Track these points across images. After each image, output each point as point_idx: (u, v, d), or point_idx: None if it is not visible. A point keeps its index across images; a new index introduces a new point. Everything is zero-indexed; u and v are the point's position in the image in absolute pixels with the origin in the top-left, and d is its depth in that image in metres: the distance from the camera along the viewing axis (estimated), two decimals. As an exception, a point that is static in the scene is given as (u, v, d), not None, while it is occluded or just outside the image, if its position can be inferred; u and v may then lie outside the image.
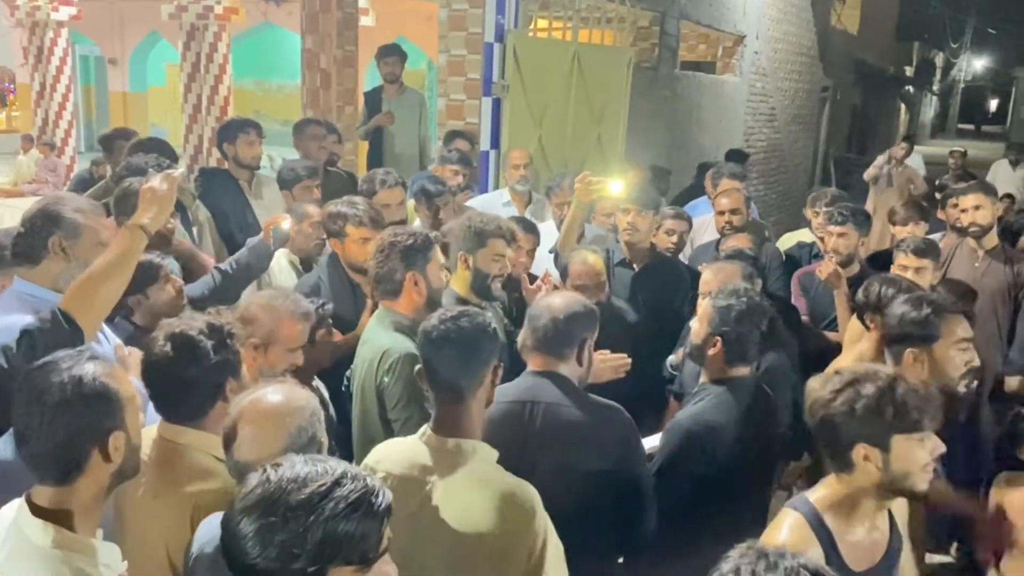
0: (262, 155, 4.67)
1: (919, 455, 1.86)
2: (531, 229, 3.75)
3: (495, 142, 5.97)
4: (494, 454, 2.05)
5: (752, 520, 2.42)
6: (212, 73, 9.38)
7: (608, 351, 2.84)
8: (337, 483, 1.30)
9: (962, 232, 4.37)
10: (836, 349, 3.49)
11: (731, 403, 2.52)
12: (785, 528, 1.91)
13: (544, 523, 1.92)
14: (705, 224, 5.28)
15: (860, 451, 1.87)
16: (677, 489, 2.45)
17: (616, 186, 4.43)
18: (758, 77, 11.65)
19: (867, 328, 3.09)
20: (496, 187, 5.81)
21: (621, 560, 2.81)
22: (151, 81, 15.69)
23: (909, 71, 27.81)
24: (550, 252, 3.97)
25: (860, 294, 3.15)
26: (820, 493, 1.97)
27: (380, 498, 1.32)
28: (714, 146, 10.01)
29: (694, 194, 6.49)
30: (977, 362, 2.46)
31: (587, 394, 2.44)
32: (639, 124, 8.03)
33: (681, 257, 4.87)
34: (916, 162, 10.69)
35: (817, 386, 1.96)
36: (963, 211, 4.30)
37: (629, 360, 2.90)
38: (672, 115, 9.34)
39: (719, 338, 2.56)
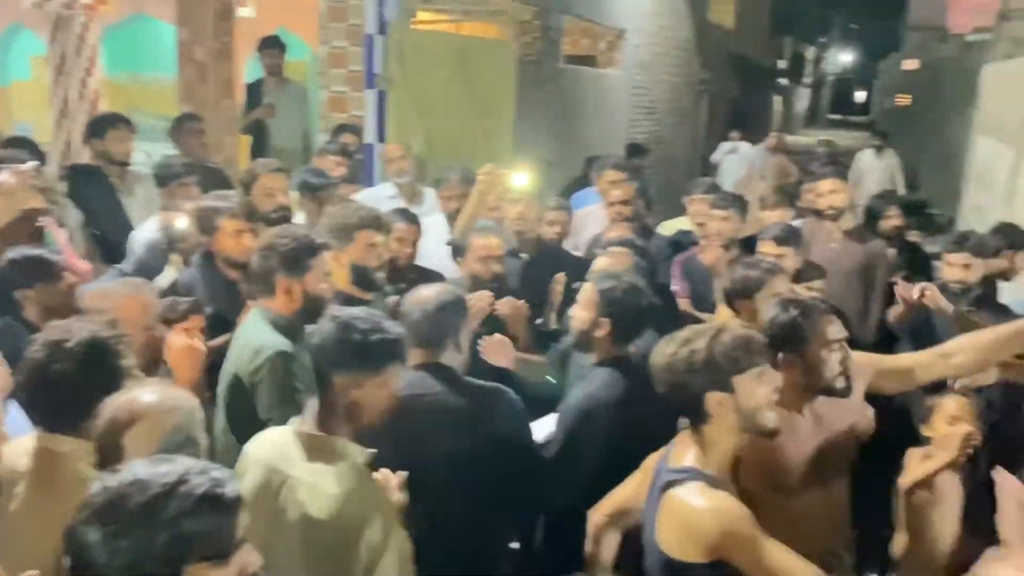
0: (133, 151, 4.51)
1: (761, 390, 2.02)
2: (412, 220, 3.75)
3: (381, 135, 5.92)
4: (362, 453, 2.03)
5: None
6: (82, 66, 8.90)
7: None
8: (181, 481, 1.28)
9: (820, 215, 4.62)
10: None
11: (620, 381, 2.61)
12: (712, 498, 1.98)
13: (389, 524, 1.92)
14: (590, 214, 5.41)
15: (712, 399, 2.01)
16: (576, 467, 2.51)
17: (521, 178, 4.51)
18: (639, 71, 11.95)
19: (736, 313, 3.20)
20: (383, 181, 5.78)
21: (516, 544, 2.88)
22: (14, 75, 14.77)
23: (782, 64, 29.03)
24: (448, 244, 3.98)
25: (726, 280, 3.24)
26: (688, 456, 2.07)
27: (228, 490, 1.31)
28: (599, 139, 10.21)
29: (581, 186, 6.63)
30: (850, 360, 2.43)
31: (471, 380, 2.48)
32: (526, 117, 8.12)
33: (570, 247, 5.00)
34: (745, 150, 11.49)
35: (656, 354, 2.10)
36: (820, 195, 4.56)
37: (523, 302, 3.06)
38: (558, 108, 9.48)
39: (607, 320, 2.63)
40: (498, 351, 3.06)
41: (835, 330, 2.38)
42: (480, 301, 3.04)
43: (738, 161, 11.41)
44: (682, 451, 2.10)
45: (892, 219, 5.14)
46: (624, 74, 11.38)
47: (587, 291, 2.73)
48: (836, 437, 2.43)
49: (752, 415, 2.03)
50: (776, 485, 2.36)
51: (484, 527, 2.44)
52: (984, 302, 3.82)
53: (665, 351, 2.08)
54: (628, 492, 2.33)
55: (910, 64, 19.85)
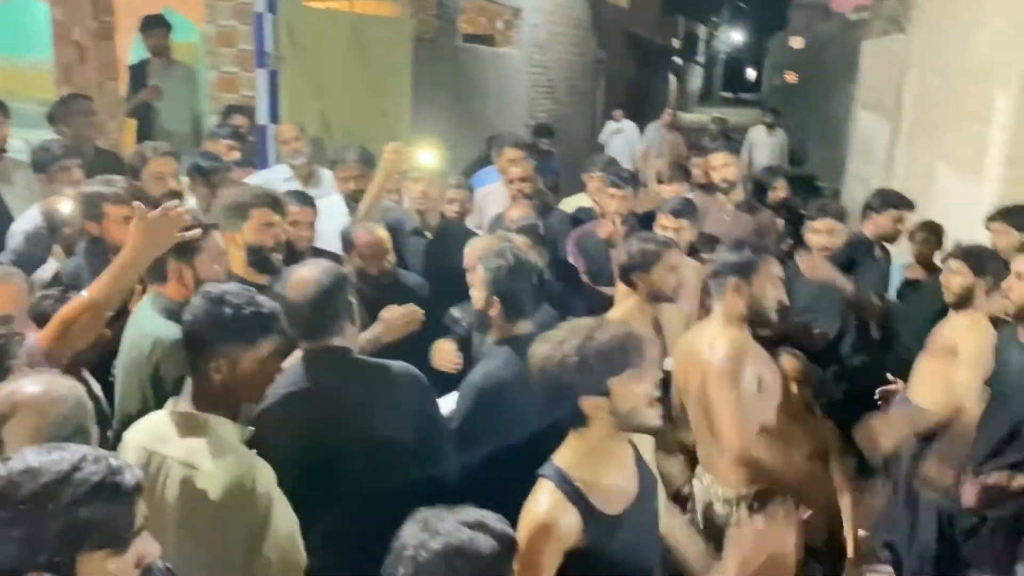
0: (10, 137, 4.27)
1: (639, 390, 1.95)
2: (307, 201, 3.67)
3: (273, 116, 5.77)
4: (239, 431, 2.02)
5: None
6: (-52, 48, 8.36)
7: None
8: (76, 468, 1.26)
9: (713, 188, 4.78)
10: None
11: (517, 360, 2.60)
12: (541, 497, 1.97)
13: (270, 501, 1.91)
14: (492, 193, 5.43)
15: (586, 403, 1.96)
16: (476, 446, 2.51)
17: (427, 157, 4.46)
18: (536, 50, 11.99)
19: (632, 286, 3.25)
20: (278, 163, 5.64)
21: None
22: None
23: (676, 43, 29.63)
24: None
25: (623, 254, 3.27)
26: (564, 454, 2.04)
27: (126, 477, 1.30)
28: (499, 118, 10.23)
29: (483, 165, 6.64)
30: (787, 300, 2.70)
31: (370, 360, 2.46)
32: (424, 97, 8.05)
33: (472, 226, 5.01)
34: (630, 129, 11.56)
35: (531, 353, 2.05)
36: (713, 168, 4.72)
37: (420, 311, 2.99)
38: (457, 88, 9.43)
39: (496, 298, 2.65)
40: (443, 359, 3.11)
41: (778, 269, 2.72)
42: (396, 319, 2.98)
43: (624, 140, 11.27)
44: (564, 446, 2.06)
45: (779, 191, 5.38)
46: (522, 53, 11.41)
47: (478, 272, 2.74)
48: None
49: (630, 416, 1.97)
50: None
51: (396, 508, 2.42)
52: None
53: (539, 351, 2.02)
54: None
55: (796, 42, 20.59)
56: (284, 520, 1.94)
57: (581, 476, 1.97)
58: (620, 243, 3.99)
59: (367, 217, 3.94)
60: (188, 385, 2.04)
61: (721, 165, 4.70)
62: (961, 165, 5.16)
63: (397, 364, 2.47)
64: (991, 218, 3.93)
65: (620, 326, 2.07)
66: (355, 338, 2.48)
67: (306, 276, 2.38)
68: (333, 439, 2.29)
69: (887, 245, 4.33)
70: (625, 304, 3.26)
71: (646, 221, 4.50)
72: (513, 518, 2.32)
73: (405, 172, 4.38)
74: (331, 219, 3.87)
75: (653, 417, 1.99)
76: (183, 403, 2.03)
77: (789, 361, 3.10)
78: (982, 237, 4.10)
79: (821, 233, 4.10)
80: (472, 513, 1.59)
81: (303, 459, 2.27)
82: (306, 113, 5.98)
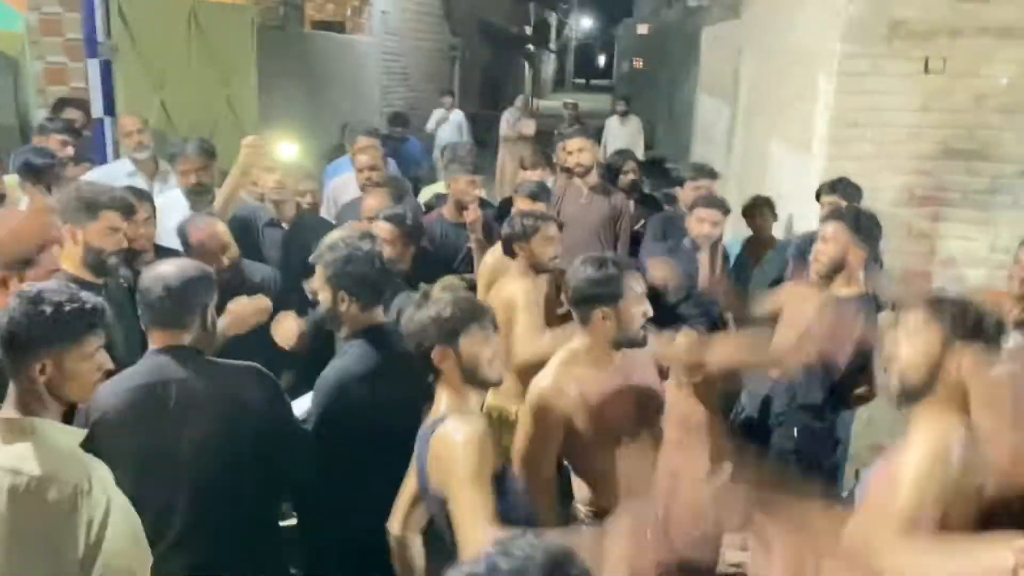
0: None
1: (483, 350, 2.18)
2: (145, 197, 3.51)
3: (109, 108, 5.47)
4: (69, 432, 1.95)
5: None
6: None
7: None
8: None
9: (570, 172, 4.90)
10: (473, 287, 3.77)
11: (372, 351, 2.60)
12: (461, 425, 2.11)
13: (106, 505, 1.85)
14: (346, 183, 5.35)
15: (438, 354, 2.16)
16: (335, 442, 2.49)
17: (289, 150, 4.33)
18: (389, 37, 11.88)
19: (513, 255, 3.48)
20: (116, 157, 5.35)
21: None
22: None
23: (528, 31, 30.06)
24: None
25: (506, 226, 3.49)
26: (443, 404, 2.19)
27: None
28: (352, 105, 10.08)
29: (338, 154, 6.53)
30: (650, 311, 2.55)
31: (219, 361, 2.40)
32: (273, 85, 7.84)
33: (327, 215, 4.93)
34: (457, 117, 11.07)
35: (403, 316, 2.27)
36: (569, 153, 4.83)
37: (269, 301, 2.96)
38: (307, 76, 9.23)
39: (344, 293, 2.62)
40: (285, 332, 3.03)
41: (640, 283, 2.54)
42: (242, 310, 2.90)
43: (452, 128, 10.66)
44: (435, 407, 2.21)
45: (629, 174, 5.56)
46: (374, 40, 11.27)
47: (317, 270, 2.70)
48: (645, 390, 2.60)
49: (474, 371, 2.17)
50: (605, 439, 2.48)
51: (248, 508, 2.37)
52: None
53: (406, 313, 2.24)
54: (410, 488, 2.34)
55: (642, 29, 21.26)
56: (125, 521, 1.87)
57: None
58: (479, 229, 4.05)
59: (226, 212, 3.83)
60: (11, 390, 1.92)
61: (576, 150, 4.83)
62: (792, 143, 5.50)
63: (244, 364, 2.41)
64: (823, 191, 4.21)
65: (465, 292, 2.32)
66: (207, 342, 2.41)
67: (168, 268, 2.34)
68: (177, 439, 2.23)
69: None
70: (510, 274, 3.49)
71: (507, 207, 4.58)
72: (376, 511, 2.34)
73: (264, 166, 4.26)
74: (173, 215, 3.70)
75: (497, 372, 2.21)
76: (7, 409, 1.91)
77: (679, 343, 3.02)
78: (814, 209, 4.41)
79: (698, 189, 4.53)
80: None
81: (146, 459, 2.21)
82: (145, 105, 5.71)
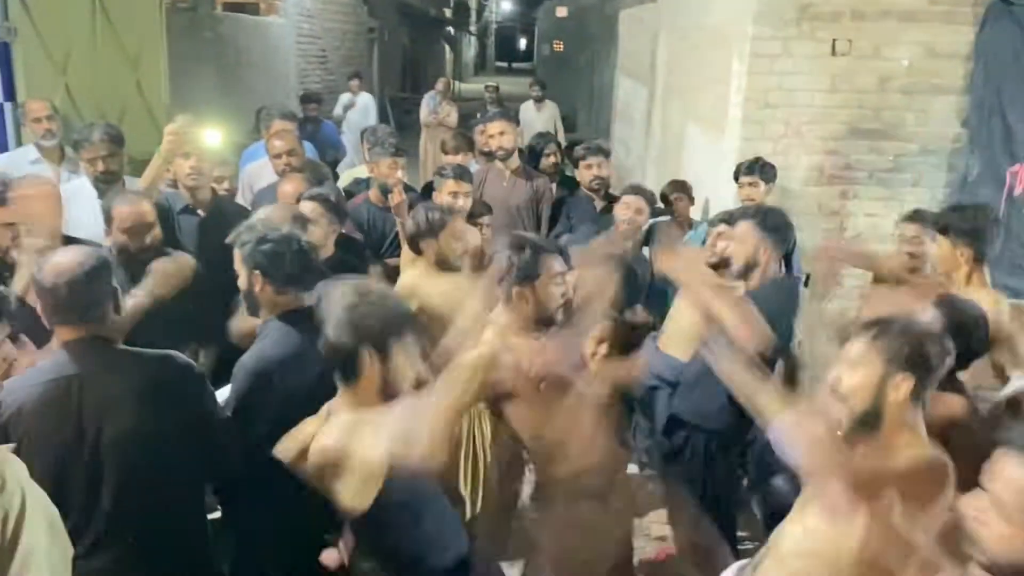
0: None
1: (407, 361, 2.11)
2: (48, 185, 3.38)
3: (9, 93, 5.23)
4: None
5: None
6: None
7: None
8: None
9: (491, 156, 4.90)
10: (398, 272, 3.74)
11: (292, 333, 2.56)
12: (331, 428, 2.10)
13: (20, 498, 1.79)
14: (261, 168, 5.24)
15: (364, 356, 2.08)
16: (254, 428, 2.44)
17: (214, 136, 4.19)
18: (304, 19, 11.64)
19: (420, 252, 3.36)
20: (18, 144, 5.13)
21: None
22: None
23: (448, 13, 29.82)
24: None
25: (411, 223, 3.39)
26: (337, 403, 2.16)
27: None
28: (267, 88, 9.87)
29: (254, 139, 6.37)
30: (571, 293, 2.67)
31: (135, 350, 2.33)
32: (184, 68, 7.61)
33: (242, 201, 4.81)
34: (365, 101, 10.42)
35: (323, 309, 2.16)
36: (491, 136, 4.83)
37: (191, 260, 2.96)
38: (219, 58, 8.99)
39: (258, 272, 2.58)
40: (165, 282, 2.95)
41: (559, 264, 2.63)
42: (165, 269, 2.86)
43: (360, 114, 10.14)
44: (337, 406, 2.17)
45: (551, 157, 5.59)
46: (289, 22, 11.03)
47: (235, 253, 2.65)
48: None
49: (396, 380, 2.10)
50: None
51: (172, 501, 2.32)
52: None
53: (332, 307, 2.11)
54: (309, 431, 2.29)
55: (561, 11, 21.30)
56: (42, 515, 1.80)
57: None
58: (404, 212, 4.02)
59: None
60: None
61: (498, 133, 4.83)
62: (707, 124, 5.62)
63: (162, 353, 2.35)
64: (740, 172, 4.30)
65: (393, 295, 2.20)
66: (120, 328, 2.34)
67: (65, 260, 2.22)
68: (96, 432, 2.17)
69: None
70: (413, 270, 3.33)
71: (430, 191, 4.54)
72: (300, 498, 2.32)
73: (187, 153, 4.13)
74: (79, 204, 3.56)
75: (409, 382, 2.12)
76: None
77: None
78: (730, 190, 4.52)
79: (592, 168, 4.61)
80: None
81: (63, 455, 2.14)
82: (48, 89, 5.47)
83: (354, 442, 2.02)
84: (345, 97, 10.29)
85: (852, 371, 1.98)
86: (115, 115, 5.94)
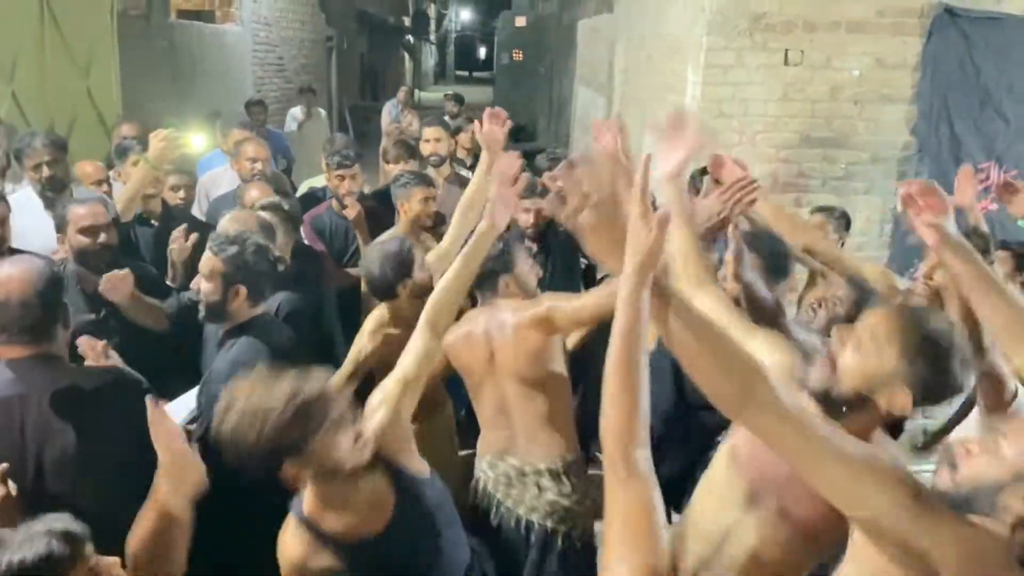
0: None
1: (341, 439, 1.85)
2: None
3: (-48, 101, 5.10)
4: None
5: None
6: None
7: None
8: None
9: (424, 162, 4.88)
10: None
11: (261, 344, 2.55)
12: (292, 542, 1.99)
13: None
14: (219, 177, 5.18)
15: (289, 471, 1.87)
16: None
17: (199, 141, 4.12)
18: (261, 27, 11.54)
19: (395, 296, 3.32)
20: (-38, 154, 4.98)
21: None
22: None
23: (407, 22, 29.77)
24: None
25: (366, 277, 3.24)
26: (308, 497, 1.99)
27: None
28: (224, 97, 9.74)
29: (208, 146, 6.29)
30: (539, 271, 3.07)
31: (84, 367, 2.28)
32: (137, 76, 7.49)
33: (198, 212, 4.75)
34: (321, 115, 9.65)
35: (216, 423, 1.84)
36: (426, 141, 4.83)
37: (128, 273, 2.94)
38: (173, 67, 8.86)
39: (240, 286, 2.56)
40: (116, 286, 2.96)
41: (525, 251, 3.00)
42: (113, 279, 2.87)
43: (317, 126, 9.23)
44: (306, 491, 2.01)
45: (510, 165, 5.59)
46: (245, 30, 10.92)
47: (208, 261, 2.61)
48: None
49: (338, 465, 1.87)
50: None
51: (121, 518, 2.27)
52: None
53: (223, 425, 1.80)
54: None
55: (520, 21, 21.38)
56: None
57: (328, 523, 1.95)
58: (362, 224, 3.98)
59: (126, 213, 3.75)
60: None
61: (434, 139, 4.82)
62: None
63: (108, 369, 2.30)
64: (695, 176, 4.32)
65: (308, 389, 1.83)
66: (64, 341, 2.28)
67: (13, 274, 2.13)
68: (38, 452, 2.12)
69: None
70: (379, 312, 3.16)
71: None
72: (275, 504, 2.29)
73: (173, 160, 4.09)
74: (24, 215, 3.47)
75: (358, 456, 1.89)
76: None
77: None
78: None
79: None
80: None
81: (12, 473, 2.06)
82: (-7, 97, 5.35)
83: None
84: (297, 112, 9.43)
85: (859, 350, 1.69)
86: (65, 124, 5.83)
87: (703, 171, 4.29)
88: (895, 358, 1.63)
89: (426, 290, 3.04)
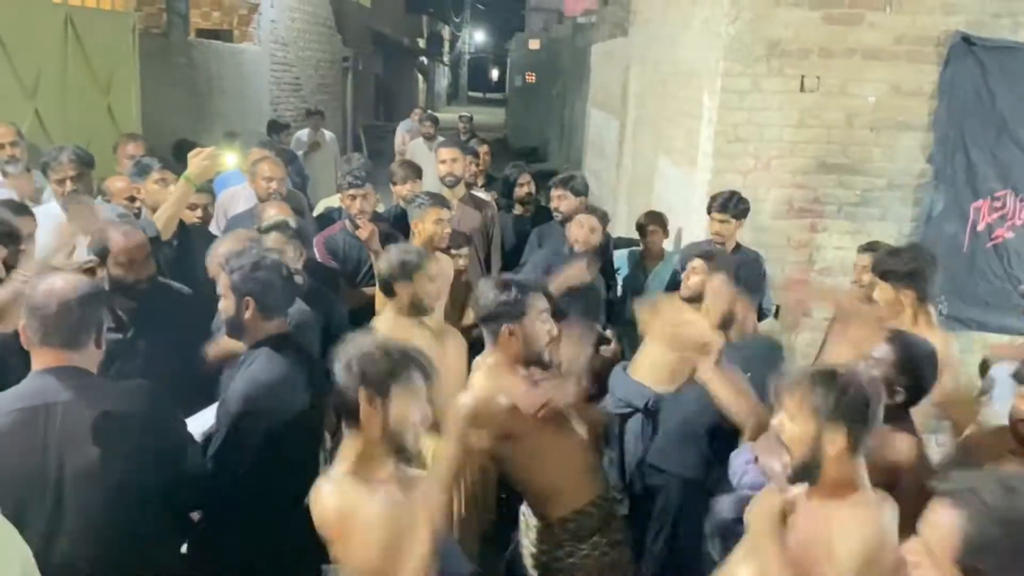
0: None
1: (412, 409, 2.00)
2: (22, 211, 3.33)
3: (-23, 117, 5.16)
4: None
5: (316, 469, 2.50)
6: None
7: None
8: None
9: (442, 182, 4.91)
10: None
11: (278, 359, 2.55)
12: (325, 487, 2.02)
13: None
14: (236, 195, 5.21)
15: (363, 398, 2.00)
16: (243, 453, 2.42)
17: (231, 159, 4.14)
18: (278, 47, 11.67)
19: (393, 295, 3.26)
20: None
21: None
22: None
23: (422, 43, 30.05)
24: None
25: (384, 264, 3.26)
26: (344, 457, 2.06)
27: None
28: (241, 115, 9.85)
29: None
30: (556, 331, 2.66)
31: (108, 381, 2.30)
32: (156, 94, 7.58)
33: (216, 230, 4.78)
34: (329, 136, 9.28)
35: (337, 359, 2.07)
36: (442, 162, 4.85)
37: None
38: (192, 84, 8.97)
39: (250, 299, 2.56)
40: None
41: (543, 303, 2.65)
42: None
43: (325, 151, 8.95)
44: (342, 452, 2.09)
45: (525, 186, 5.63)
46: (262, 50, 11.04)
47: (222, 279, 2.63)
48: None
49: (399, 434, 2.01)
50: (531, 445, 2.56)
51: (141, 531, 2.28)
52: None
53: (341, 358, 2.05)
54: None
55: (534, 43, 21.56)
56: (11, 547, 1.76)
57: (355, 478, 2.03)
58: (375, 243, 3.99)
59: (166, 232, 3.70)
60: None
61: (450, 159, 4.84)
62: (678, 157, 5.69)
63: (135, 383, 2.32)
64: (713, 207, 4.34)
65: (397, 344, 2.09)
66: (96, 360, 2.31)
67: (60, 282, 2.20)
68: (60, 463, 2.12)
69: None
70: (386, 315, 3.28)
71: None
72: (283, 521, 2.30)
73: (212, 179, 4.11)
74: (48, 230, 3.50)
75: (414, 441, 2.03)
76: None
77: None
78: (701, 222, 4.57)
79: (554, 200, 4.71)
80: None
81: (28, 484, 2.10)
82: (16, 112, 5.42)
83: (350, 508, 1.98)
84: (303, 135, 9.05)
85: (791, 422, 1.99)
86: (84, 140, 5.88)
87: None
88: (813, 416, 1.95)
89: (422, 304, 3.20)
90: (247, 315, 2.58)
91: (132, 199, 4.24)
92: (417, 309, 3.21)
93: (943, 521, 1.53)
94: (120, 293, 3.00)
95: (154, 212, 4.02)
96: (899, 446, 2.38)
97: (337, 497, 1.99)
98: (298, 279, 2.99)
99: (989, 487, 1.49)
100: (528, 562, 2.73)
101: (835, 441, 1.93)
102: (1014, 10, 4.66)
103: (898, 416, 2.42)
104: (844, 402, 1.93)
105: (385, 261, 3.25)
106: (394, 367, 2.01)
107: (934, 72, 4.72)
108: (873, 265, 3.40)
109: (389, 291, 3.24)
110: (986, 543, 1.46)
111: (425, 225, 3.90)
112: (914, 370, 2.46)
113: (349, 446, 2.06)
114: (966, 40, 4.63)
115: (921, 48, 4.71)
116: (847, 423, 1.93)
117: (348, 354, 2.03)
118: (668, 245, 5.17)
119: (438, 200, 4.02)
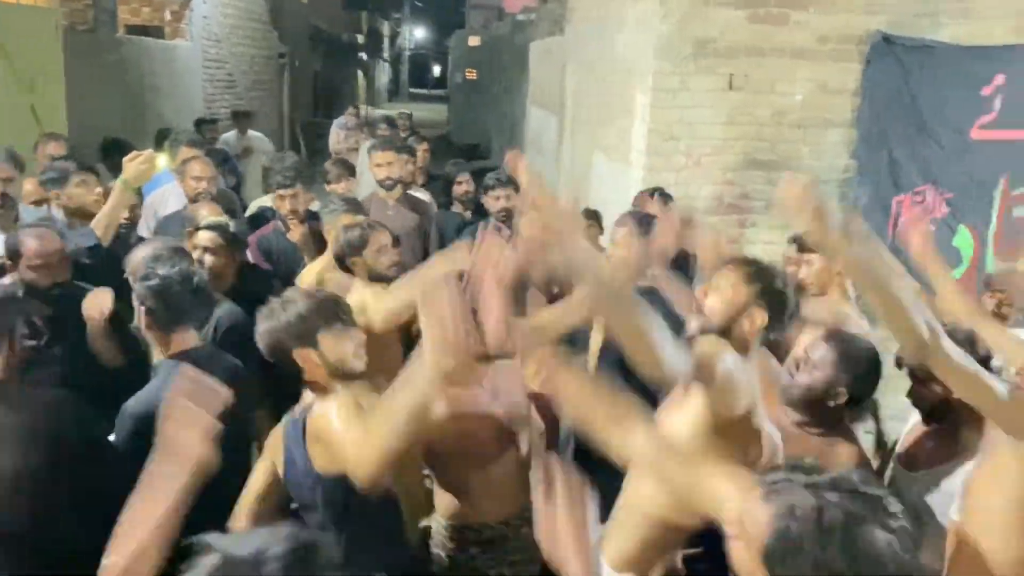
0: None
1: (345, 345, 2.21)
2: None
3: None
4: None
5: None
6: None
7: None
8: None
9: (380, 185, 4.90)
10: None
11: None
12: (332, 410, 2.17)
13: None
14: (166, 195, 5.11)
15: (299, 355, 2.19)
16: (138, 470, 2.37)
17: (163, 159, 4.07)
18: (211, 43, 11.45)
19: (349, 270, 3.36)
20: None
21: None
22: None
23: (361, 39, 29.73)
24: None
25: (336, 245, 3.37)
26: (309, 397, 2.26)
27: None
28: (173, 113, 9.64)
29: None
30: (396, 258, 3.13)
31: (30, 392, 2.24)
32: (84, 92, 7.38)
33: (145, 231, 4.68)
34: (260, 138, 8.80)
35: (256, 327, 2.27)
36: (378, 165, 4.83)
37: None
38: (122, 82, 8.75)
39: (144, 310, 2.51)
40: (96, 304, 2.93)
41: (384, 236, 3.11)
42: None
43: (259, 149, 8.44)
44: (302, 402, 2.28)
45: (464, 184, 5.63)
46: (195, 46, 10.82)
47: (136, 288, 2.59)
48: (511, 404, 2.60)
49: (340, 365, 2.19)
50: (467, 452, 2.52)
51: (67, 545, 2.23)
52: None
53: (261, 322, 2.23)
54: (259, 482, 2.34)
55: (474, 40, 21.52)
56: None
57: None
58: (308, 245, 3.96)
59: (106, 238, 3.63)
60: None
61: (385, 163, 4.83)
62: (613, 154, 5.76)
63: (55, 393, 2.27)
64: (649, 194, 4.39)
65: (319, 292, 2.33)
66: (14, 366, 2.25)
67: None
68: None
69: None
70: (355, 293, 3.27)
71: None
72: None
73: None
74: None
75: (360, 365, 2.23)
76: None
77: None
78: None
79: (500, 200, 4.62)
80: None
81: None
82: (-67, 113, 5.24)
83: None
84: (230, 137, 8.52)
85: (719, 294, 2.15)
86: (8, 140, 5.71)
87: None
88: (747, 292, 2.12)
89: (379, 272, 3.31)
90: (143, 327, 2.53)
91: (39, 203, 4.14)
92: (379, 277, 3.30)
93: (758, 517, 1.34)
94: (34, 298, 2.93)
95: (75, 216, 3.94)
96: (841, 459, 2.30)
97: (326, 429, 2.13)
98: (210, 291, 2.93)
99: (800, 492, 1.31)
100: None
101: (756, 319, 2.11)
102: (934, 10, 4.82)
103: (839, 423, 2.39)
104: (774, 289, 2.13)
105: (336, 241, 3.41)
106: (310, 317, 2.18)
107: (858, 71, 4.87)
108: (800, 242, 3.46)
109: (345, 267, 3.38)
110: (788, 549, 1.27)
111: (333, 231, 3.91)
112: (855, 368, 2.35)
113: (310, 396, 2.24)
114: (887, 39, 4.79)
115: (845, 47, 4.85)
116: (771, 308, 2.12)
117: (266, 330, 2.20)
118: (604, 241, 5.23)
119: (352, 205, 4.02)
